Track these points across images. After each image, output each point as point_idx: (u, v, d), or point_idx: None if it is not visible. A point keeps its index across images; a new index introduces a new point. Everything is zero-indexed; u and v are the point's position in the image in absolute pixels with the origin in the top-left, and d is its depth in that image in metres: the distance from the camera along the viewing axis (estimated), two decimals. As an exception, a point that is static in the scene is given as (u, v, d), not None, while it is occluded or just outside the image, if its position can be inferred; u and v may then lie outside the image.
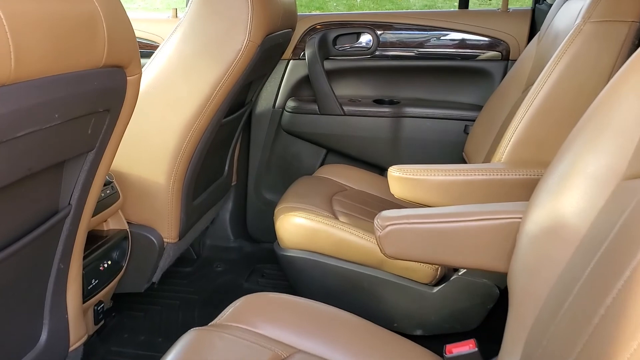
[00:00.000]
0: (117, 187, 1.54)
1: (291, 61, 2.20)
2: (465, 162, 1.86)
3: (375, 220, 1.11)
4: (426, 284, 1.52)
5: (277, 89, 2.23)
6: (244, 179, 2.31)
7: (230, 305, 1.14)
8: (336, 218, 1.63)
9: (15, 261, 0.98)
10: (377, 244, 1.11)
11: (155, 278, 1.72)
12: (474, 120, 1.93)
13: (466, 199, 1.33)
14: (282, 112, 2.24)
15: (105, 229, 1.57)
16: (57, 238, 1.09)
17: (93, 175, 1.09)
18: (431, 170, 1.34)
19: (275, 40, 1.67)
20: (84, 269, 1.35)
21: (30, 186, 0.93)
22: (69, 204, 1.08)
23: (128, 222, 1.63)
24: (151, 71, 1.58)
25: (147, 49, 2.13)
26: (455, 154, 2.03)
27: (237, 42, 1.51)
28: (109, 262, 1.49)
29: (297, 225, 1.58)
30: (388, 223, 1.08)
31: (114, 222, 1.58)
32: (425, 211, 1.11)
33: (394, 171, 1.36)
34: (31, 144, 0.79)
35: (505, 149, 1.39)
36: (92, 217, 1.21)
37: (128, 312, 1.86)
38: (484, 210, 1.05)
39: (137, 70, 1.02)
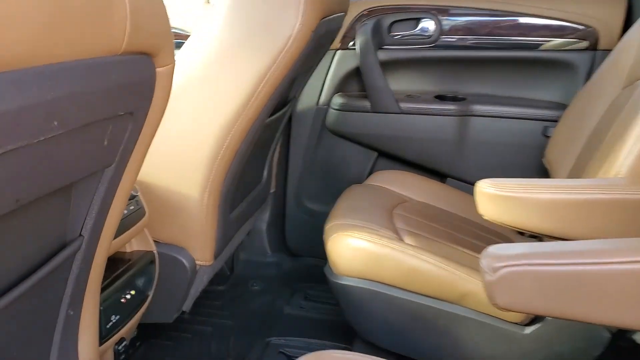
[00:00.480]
0: (143, 202, 1.29)
1: (339, 52, 1.92)
2: (546, 171, 1.57)
3: (483, 260, 0.83)
4: (516, 324, 1.24)
5: (321, 84, 1.96)
6: (283, 186, 2.05)
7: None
8: (400, 239, 1.36)
9: (8, 315, 0.73)
10: (485, 290, 0.83)
11: (186, 307, 1.47)
12: (555, 121, 1.64)
13: (580, 224, 1.05)
14: (327, 109, 1.96)
15: (127, 250, 1.32)
16: (64, 279, 0.84)
17: (112, 196, 0.83)
18: (534, 186, 1.06)
19: (329, 25, 1.40)
20: (102, 303, 1.10)
21: (25, 218, 0.68)
22: (80, 234, 0.82)
23: (155, 241, 1.38)
24: (183, 64, 1.32)
25: (176, 39, 1.87)
26: (531, 160, 1.74)
27: (287, 27, 1.24)
28: (133, 292, 1.24)
29: (356, 249, 1.31)
30: (503, 264, 0.80)
31: (138, 243, 1.32)
32: (550, 248, 0.83)
33: (485, 187, 1.08)
34: (16, 167, 0.53)
35: (624, 160, 1.10)
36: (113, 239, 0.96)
37: (155, 340, 1.61)
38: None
39: (169, 60, 0.76)
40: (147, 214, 1.29)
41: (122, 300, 1.20)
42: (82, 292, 0.89)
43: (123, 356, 1.24)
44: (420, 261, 1.25)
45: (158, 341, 1.61)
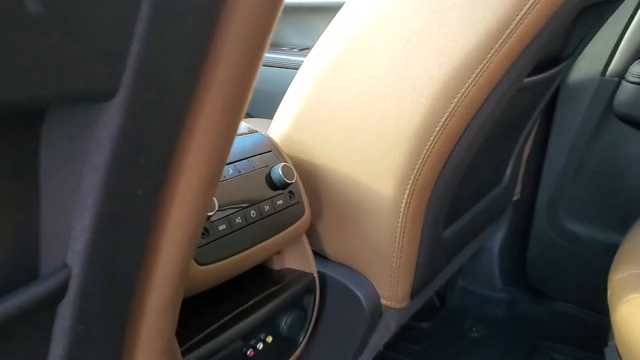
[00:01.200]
0: (302, 195, 0.79)
1: (649, -6, 1.21)
2: None
3: None
4: None
5: (613, 44, 1.27)
6: (532, 193, 1.41)
7: None
8: None
9: None
10: None
11: (361, 363, 0.95)
12: None
13: None
14: (619, 83, 1.26)
15: (273, 267, 0.84)
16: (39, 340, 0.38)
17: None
18: None
19: None
20: (208, 358, 0.65)
21: None
22: (65, 264, 0.35)
23: (318, 256, 0.89)
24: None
25: None
26: None
27: None
28: (273, 338, 0.76)
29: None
30: None
31: (290, 257, 0.84)
32: None
33: None
34: None
35: None
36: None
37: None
38: None
39: None
40: (307, 213, 0.80)
41: (250, 352, 0.73)
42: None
43: None
44: None
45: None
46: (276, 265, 0.84)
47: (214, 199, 0.63)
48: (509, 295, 1.44)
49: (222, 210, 0.65)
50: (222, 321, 0.68)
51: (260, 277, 0.81)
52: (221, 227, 0.64)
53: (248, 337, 0.72)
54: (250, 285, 0.78)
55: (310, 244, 0.91)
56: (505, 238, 1.44)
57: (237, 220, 0.66)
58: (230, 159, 0.71)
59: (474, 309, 1.42)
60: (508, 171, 1.23)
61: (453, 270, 1.20)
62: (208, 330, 0.66)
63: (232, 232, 0.65)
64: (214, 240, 0.63)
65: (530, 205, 1.42)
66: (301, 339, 0.83)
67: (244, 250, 0.66)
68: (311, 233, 0.90)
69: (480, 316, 1.40)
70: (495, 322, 1.38)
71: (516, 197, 1.37)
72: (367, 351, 0.94)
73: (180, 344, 0.63)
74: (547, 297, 1.43)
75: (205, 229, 0.62)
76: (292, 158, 0.85)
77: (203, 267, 0.61)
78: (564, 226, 1.38)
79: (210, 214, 0.62)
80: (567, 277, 1.39)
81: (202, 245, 0.62)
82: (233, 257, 0.65)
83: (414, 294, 0.91)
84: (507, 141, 1.16)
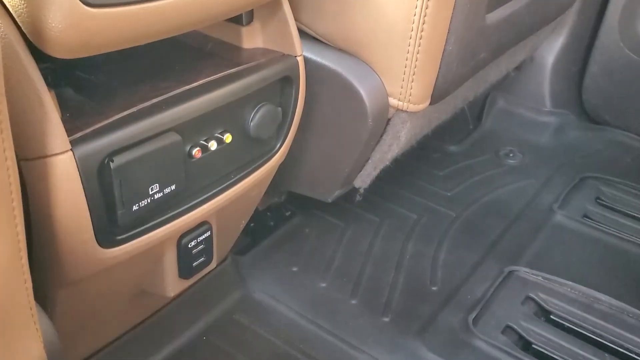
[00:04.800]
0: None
1: None
2: None
3: None
4: None
5: None
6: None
7: None
8: None
9: None
10: None
11: (362, 182, 0.76)
12: None
13: None
14: None
15: (242, 46, 0.61)
16: None
17: None
18: None
19: None
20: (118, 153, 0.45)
21: None
22: None
23: (312, 40, 0.65)
24: None
25: None
26: None
27: None
28: (233, 137, 0.56)
29: None
30: None
31: (267, 34, 0.61)
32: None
33: None
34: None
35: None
36: None
37: (314, 212, 0.97)
38: None
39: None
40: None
41: (195, 153, 0.53)
42: None
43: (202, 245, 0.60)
44: None
45: (317, 213, 0.96)
46: (246, 44, 0.61)
47: None
48: (558, 118, 1.20)
49: None
50: (145, 105, 0.47)
51: (218, 56, 0.58)
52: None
53: (190, 131, 0.51)
54: (201, 64, 0.55)
55: (300, 22, 0.67)
56: (563, 48, 1.16)
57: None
58: None
59: (515, 132, 1.19)
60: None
61: (494, 78, 0.96)
62: (121, 115, 0.45)
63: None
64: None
65: (601, 6, 1.12)
66: (278, 143, 0.62)
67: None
68: (300, 5, 0.65)
69: (521, 141, 1.17)
70: (538, 149, 1.16)
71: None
72: (370, 165, 0.74)
73: (72, 132, 0.43)
74: (602, 123, 1.19)
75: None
76: None
77: (93, 10, 0.39)
78: (639, 37, 1.09)
79: None
80: (631, 101, 1.13)
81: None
82: (145, 4, 0.41)
83: (436, 96, 0.68)
84: None
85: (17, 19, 0.39)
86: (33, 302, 0.38)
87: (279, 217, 0.95)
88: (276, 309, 0.79)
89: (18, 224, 0.35)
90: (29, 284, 0.37)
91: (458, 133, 1.18)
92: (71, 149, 0.42)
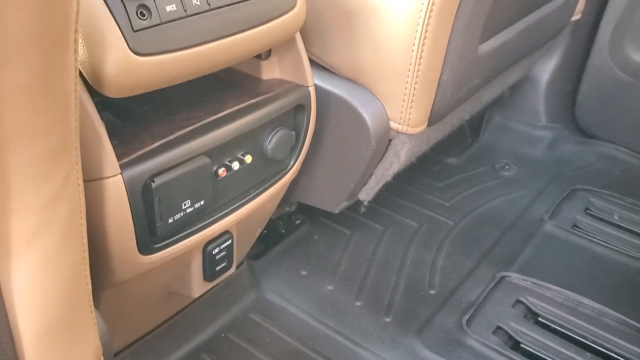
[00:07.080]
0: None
1: None
2: None
3: None
4: None
5: None
6: (596, 12, 1.17)
7: None
8: None
9: None
10: None
11: (366, 194, 0.84)
12: None
13: None
14: None
15: (261, 77, 0.69)
16: None
17: None
18: None
19: None
20: (158, 175, 0.53)
21: None
22: None
23: (322, 70, 0.73)
24: None
25: None
26: None
27: None
28: (253, 158, 0.64)
29: None
30: None
31: (282, 66, 0.69)
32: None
33: None
34: None
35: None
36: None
37: (322, 220, 1.05)
38: None
39: None
40: (300, 5, 0.63)
41: (221, 173, 0.61)
42: None
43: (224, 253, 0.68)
44: None
45: (325, 222, 1.04)
46: (265, 75, 0.69)
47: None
48: (552, 132, 1.28)
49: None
50: (180, 133, 0.56)
51: (241, 87, 0.66)
52: (169, 8, 0.48)
53: (217, 153, 0.59)
54: (226, 95, 0.64)
55: (312, 53, 0.75)
56: (556, 67, 1.24)
57: (193, 1, 0.50)
58: None
59: (510, 146, 1.27)
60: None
61: (489, 98, 1.04)
62: (161, 142, 0.54)
63: (186, 17, 0.50)
64: (159, 25, 0.48)
65: (592, 29, 1.19)
66: (291, 162, 0.71)
67: (201, 44, 0.51)
68: (311, 39, 0.74)
69: (517, 154, 1.25)
70: (532, 162, 1.23)
71: (576, 16, 1.14)
72: (373, 180, 0.82)
73: (120, 157, 0.51)
74: (593, 137, 1.27)
75: (146, 7, 0.47)
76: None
77: (141, 58, 0.47)
78: (628, 57, 1.16)
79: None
80: (621, 117, 1.21)
81: (141, 29, 0.47)
82: (185, 52, 0.50)
83: (433, 120, 0.76)
84: None
85: (79, 66, 0.47)
86: (92, 300, 0.46)
87: (290, 225, 1.03)
88: (287, 309, 0.87)
89: (84, 236, 0.43)
90: (90, 286, 0.45)
91: (457, 146, 1.26)
92: (120, 173, 0.50)
